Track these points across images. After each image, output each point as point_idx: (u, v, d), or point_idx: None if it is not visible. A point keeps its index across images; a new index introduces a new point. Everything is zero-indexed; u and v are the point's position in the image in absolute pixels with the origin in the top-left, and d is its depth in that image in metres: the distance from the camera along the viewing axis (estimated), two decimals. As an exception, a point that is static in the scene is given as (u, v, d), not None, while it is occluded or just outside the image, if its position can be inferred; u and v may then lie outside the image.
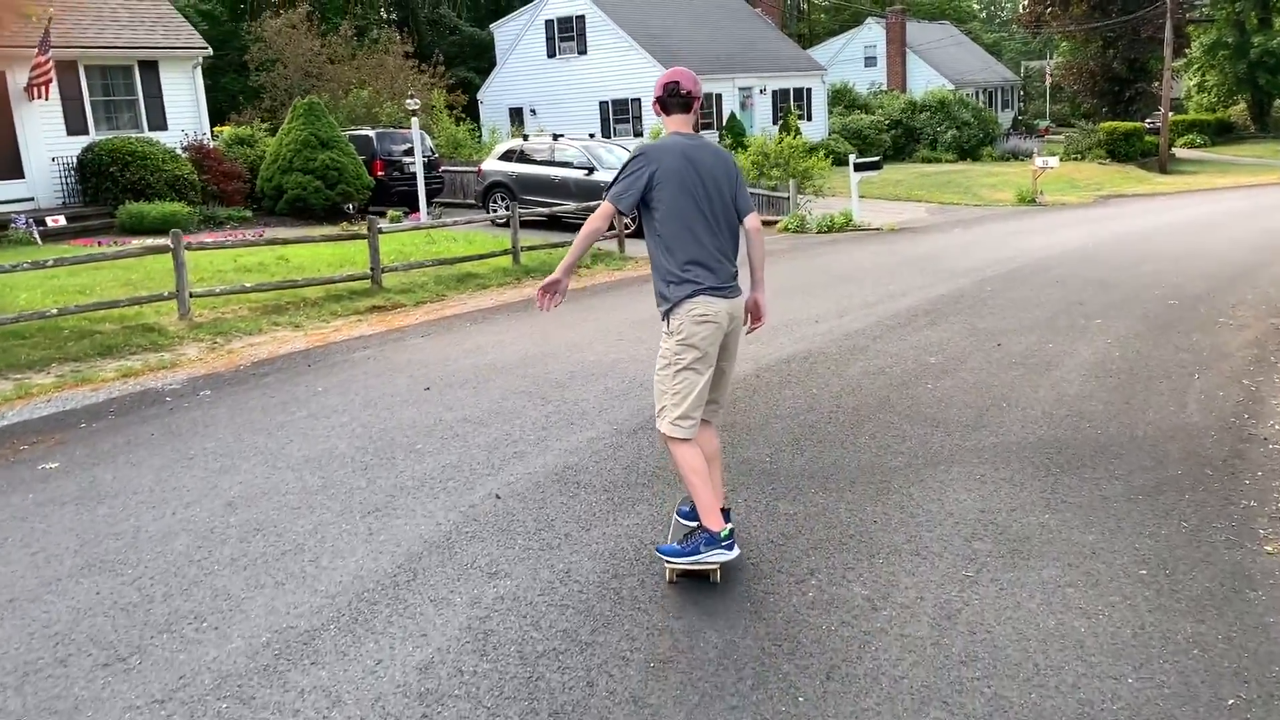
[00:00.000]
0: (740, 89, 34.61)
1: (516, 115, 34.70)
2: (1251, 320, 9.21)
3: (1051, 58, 60.60)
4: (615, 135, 31.64)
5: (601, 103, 32.88)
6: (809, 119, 37.55)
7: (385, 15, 45.48)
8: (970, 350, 8.21)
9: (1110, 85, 44.49)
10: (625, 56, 32.17)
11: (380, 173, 22.13)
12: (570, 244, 4.29)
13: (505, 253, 14.74)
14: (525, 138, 21.25)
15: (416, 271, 13.68)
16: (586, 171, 19.49)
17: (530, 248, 15.32)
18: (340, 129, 23.75)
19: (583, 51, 33.13)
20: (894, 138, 40.19)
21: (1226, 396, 6.66)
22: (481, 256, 14.45)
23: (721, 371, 4.32)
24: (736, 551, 4.19)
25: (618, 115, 32.71)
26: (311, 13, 28.09)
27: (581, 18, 32.83)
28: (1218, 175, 34.33)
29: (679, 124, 4.23)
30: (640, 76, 31.95)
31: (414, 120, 18.69)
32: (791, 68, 37.31)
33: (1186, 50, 48.47)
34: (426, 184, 23.24)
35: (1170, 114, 40.91)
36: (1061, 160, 38.81)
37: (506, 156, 20.79)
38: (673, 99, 4.22)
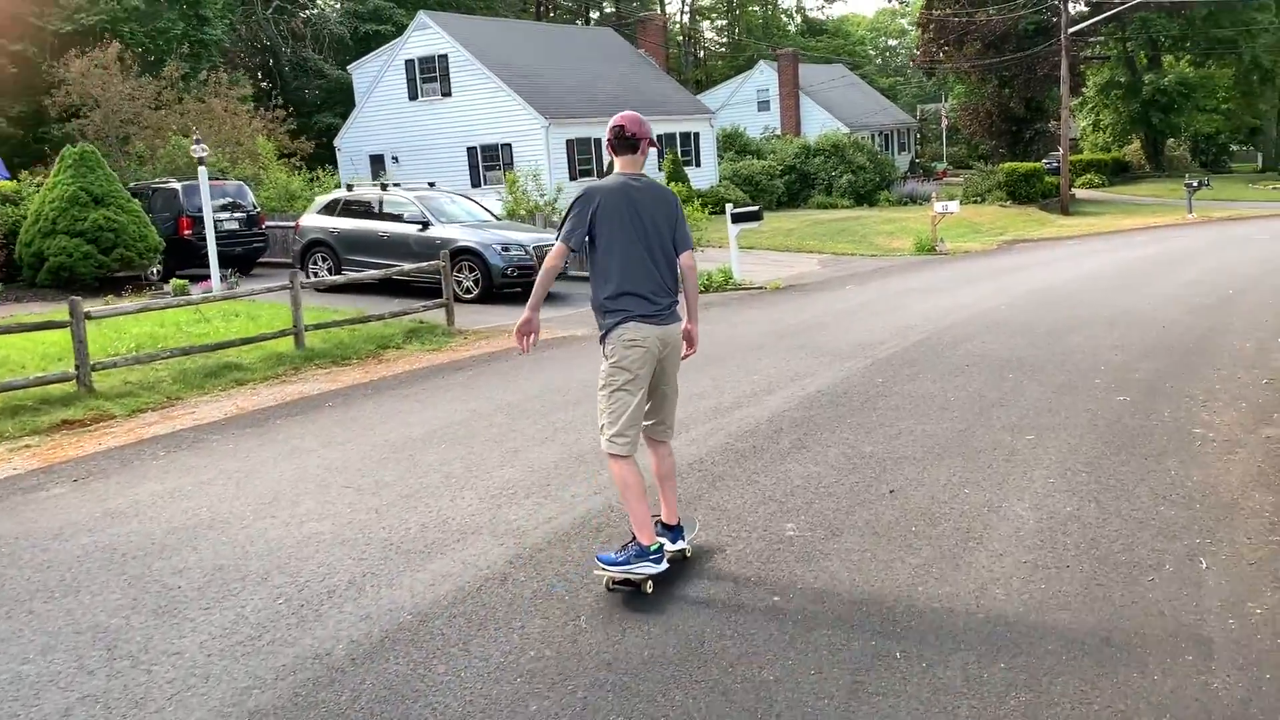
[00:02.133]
0: (621, 133, 32.02)
1: (377, 163, 31.60)
2: (1238, 431, 6.62)
3: (946, 100, 59.93)
4: (486, 184, 28.79)
5: (470, 149, 30.01)
6: (698, 164, 35.25)
7: (244, 60, 42.05)
8: (848, 508, 5.40)
9: (1008, 125, 43.32)
10: (494, 99, 29.40)
11: (187, 231, 18.82)
12: None
13: (285, 334, 11.62)
14: (349, 187, 18.21)
15: (155, 365, 10.49)
16: (421, 226, 16.52)
17: (321, 325, 12.23)
18: (149, 181, 20.49)
19: (447, 93, 30.26)
20: (788, 183, 38.17)
21: (1267, 613, 3.95)
22: (250, 340, 11.30)
23: (664, 395, 4.71)
24: (665, 565, 4.46)
25: (487, 162, 29.88)
26: (124, 52, 24.65)
27: (444, 57, 30.00)
28: (1121, 216, 32.97)
29: (625, 164, 4.63)
30: (512, 120, 29.23)
31: (200, 170, 15.50)
32: (678, 111, 35.01)
33: (1082, 89, 47.85)
34: (247, 243, 20.03)
35: (1068, 154, 39.80)
36: (961, 203, 37.27)
37: (329, 209, 17.69)
38: (620, 141, 4.63)
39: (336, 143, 32.98)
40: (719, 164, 37.12)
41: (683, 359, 4.73)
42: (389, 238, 16.73)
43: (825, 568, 4.58)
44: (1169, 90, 46.21)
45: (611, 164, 4.71)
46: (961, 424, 7.08)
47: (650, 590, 4.44)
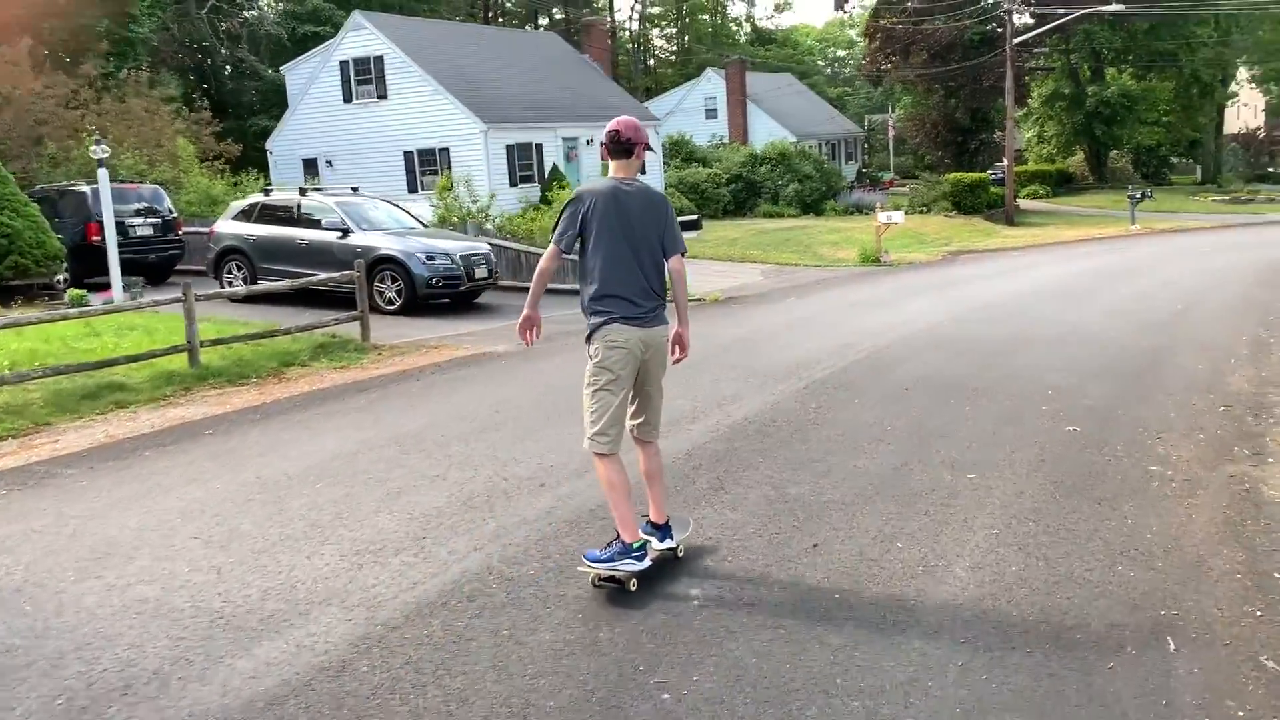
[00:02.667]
0: (564, 139, 31.35)
1: (310, 167, 30.52)
2: (1198, 468, 6.03)
3: (893, 111, 59.99)
4: (423, 189, 27.85)
5: (406, 153, 29.06)
6: (642, 171, 34.36)
7: (177, 60, 40.63)
8: (764, 567, 4.69)
9: (954, 135, 43.29)
10: (431, 102, 28.49)
11: (96, 237, 17.68)
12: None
13: (178, 350, 10.69)
14: (266, 192, 17.24)
15: (27, 386, 9.53)
16: (341, 234, 15.62)
17: (221, 341, 11.32)
18: (59, 184, 19.35)
19: (383, 96, 29.29)
20: (734, 192, 37.66)
21: (1250, 716, 3.30)
22: (138, 358, 10.35)
23: (649, 396, 4.78)
24: (647, 563, 4.53)
25: (425, 166, 28.95)
26: (35, 48, 23.40)
27: (380, 59, 29.04)
28: (1065, 227, 32.86)
29: (619, 169, 4.68)
30: (449, 124, 28.34)
31: (101, 172, 14.48)
32: (622, 116, 34.33)
33: (1027, 100, 48.02)
34: (162, 250, 18.96)
35: (1013, 164, 39.79)
36: (907, 213, 37.02)
37: (245, 215, 16.70)
38: (615, 146, 4.64)
39: (268, 146, 31.83)
40: (665, 171, 36.50)
41: (675, 363, 4.86)
42: (307, 245, 15.80)
43: (729, 653, 3.85)
44: (1112, 102, 46.50)
45: (606, 167, 4.78)
46: (898, 458, 6.42)
47: (634, 587, 4.48)
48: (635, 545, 4.52)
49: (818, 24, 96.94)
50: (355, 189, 18.06)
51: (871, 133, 69.15)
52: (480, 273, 15.86)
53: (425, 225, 17.79)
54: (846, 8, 43.42)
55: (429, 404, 8.83)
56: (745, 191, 38.11)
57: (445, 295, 15.64)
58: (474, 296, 16.73)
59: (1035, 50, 44.17)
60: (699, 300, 16.63)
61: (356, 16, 29.54)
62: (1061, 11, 36.67)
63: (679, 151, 39.76)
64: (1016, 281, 17.70)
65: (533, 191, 28.83)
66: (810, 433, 7.19)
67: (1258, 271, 17.67)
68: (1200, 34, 45.46)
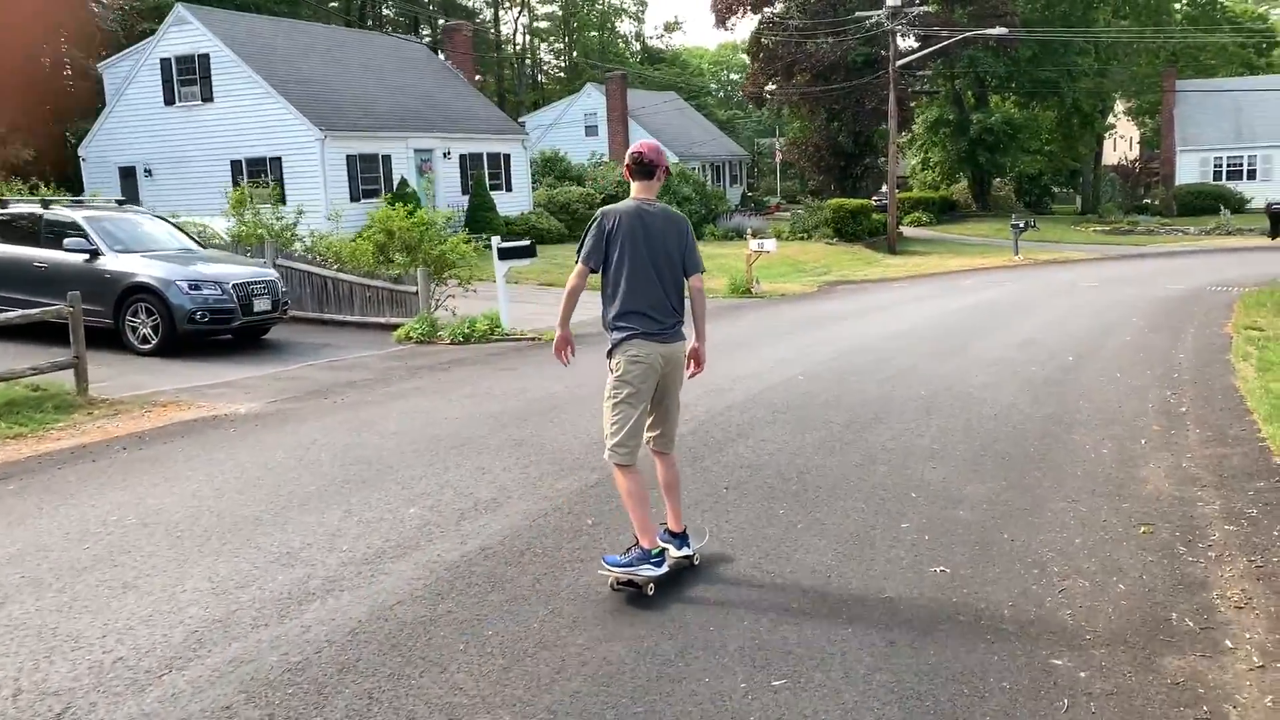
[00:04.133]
0: (417, 151, 28.71)
1: (129, 176, 27.20)
2: (1124, 663, 3.90)
3: (779, 134, 58.91)
4: (252, 202, 24.83)
5: (234, 162, 26.01)
6: (508, 189, 32.17)
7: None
8: None
9: (837, 160, 42.01)
10: (262, 107, 25.56)
11: None
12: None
13: None
14: (3, 204, 14.25)
15: None
16: (88, 255, 12.80)
17: None
18: None
19: (208, 99, 26.21)
20: (609, 212, 35.44)
21: None
22: None
23: (667, 409, 4.95)
24: (666, 569, 4.70)
25: (255, 177, 25.91)
26: None
27: (205, 57, 25.98)
28: (948, 256, 31.61)
29: (640, 189, 4.85)
30: (284, 132, 25.45)
31: None
32: (487, 130, 31.89)
33: (911, 126, 47.24)
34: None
35: (897, 191, 38.67)
36: (788, 239, 35.27)
37: (-25, 232, 13.71)
38: (638, 167, 4.82)
39: (81, 151, 28.34)
40: (534, 189, 34.14)
41: (690, 377, 5.04)
42: (47, 268, 12.92)
43: None
44: (995, 130, 46.01)
45: (627, 188, 4.89)
46: (674, 642, 4.14)
47: (652, 592, 4.60)
48: (654, 551, 4.69)
49: (711, 46, 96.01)
50: (121, 201, 15.19)
51: (760, 156, 68.17)
52: (262, 305, 13.21)
53: (205, 247, 15.02)
54: (729, 24, 41.72)
55: (49, 513, 6.23)
56: (621, 213, 35.93)
57: (217, 332, 12.96)
58: (261, 332, 14.08)
59: (919, 74, 43.34)
60: (534, 338, 14.28)
61: (180, 9, 26.42)
62: (945, 34, 35.68)
63: (552, 169, 37.47)
64: (892, 320, 15.83)
65: (378, 207, 26.08)
66: (563, 579, 4.88)
67: (1147, 312, 16.17)
68: (1081, 64, 45.34)
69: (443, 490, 6.40)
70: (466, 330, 14.19)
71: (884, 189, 38.43)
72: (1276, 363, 10.29)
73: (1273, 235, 34.90)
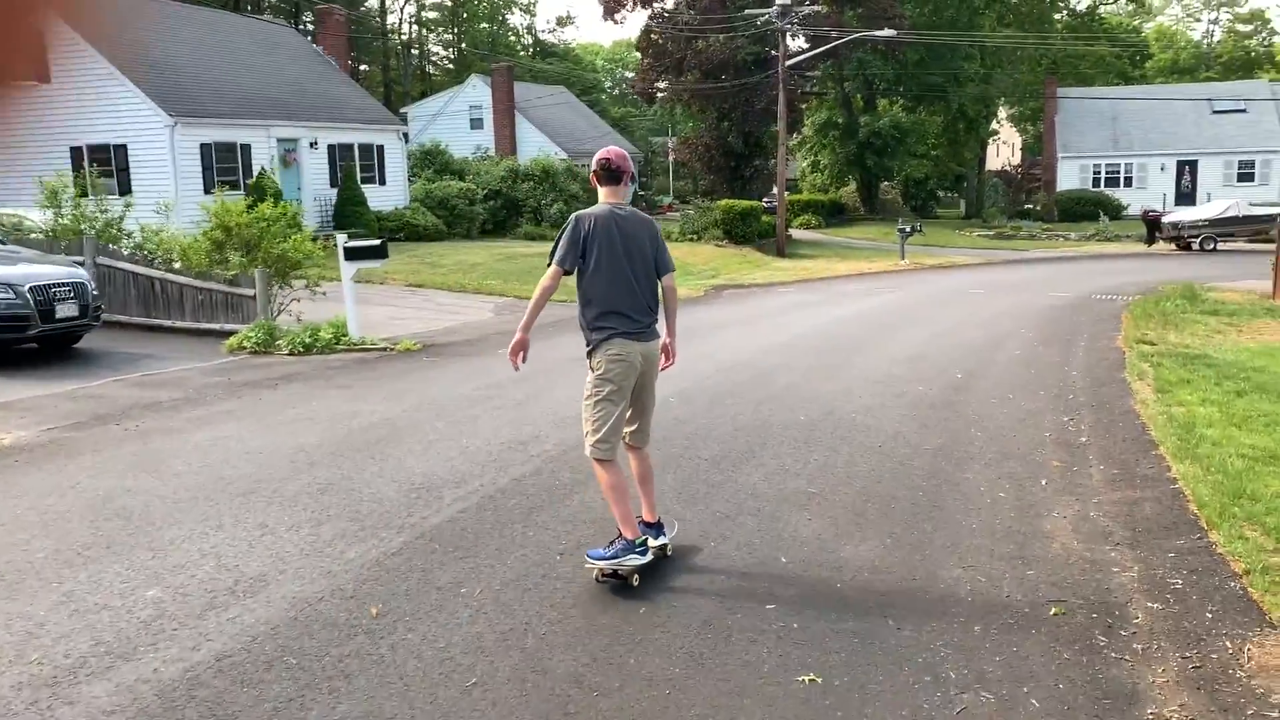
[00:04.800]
0: (280, 140, 26.81)
1: (-47, 162, 24.62)
2: None
3: (671, 133, 58.21)
4: (94, 194, 22.68)
5: (74, 149, 23.76)
6: (382, 182, 30.47)
7: None
8: None
9: (727, 160, 41.33)
10: (104, 88, 23.40)
11: None
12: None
13: None
14: None
15: None
16: None
17: None
18: None
19: (44, 79, 23.85)
20: (492, 209, 34.04)
21: None
22: None
23: (643, 405, 5.14)
24: (650, 557, 4.86)
25: (99, 166, 23.73)
26: None
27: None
28: (837, 260, 31.13)
29: (608, 194, 5.02)
30: (130, 117, 23.36)
31: None
32: (359, 120, 30.11)
33: (800, 127, 46.96)
34: None
35: (787, 193, 38.20)
36: (678, 240, 34.37)
37: None
38: (605, 173, 5.00)
39: (-101, 132, 25.56)
40: (411, 183, 32.47)
41: (661, 370, 5.17)
42: None
43: None
44: (883, 133, 46.07)
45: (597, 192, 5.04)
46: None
47: (636, 582, 4.74)
48: (638, 542, 4.82)
49: (606, 43, 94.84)
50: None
51: (653, 155, 67.39)
52: (67, 310, 11.56)
53: (4, 243, 13.20)
54: (617, 18, 40.67)
55: None
56: (505, 209, 34.58)
57: (9, 341, 11.26)
58: (71, 341, 12.39)
59: (809, 74, 43.04)
60: (385, 349, 12.91)
61: (11, -22, 23.97)
62: (835, 35, 35.29)
63: (431, 162, 35.81)
64: (776, 330, 14.93)
65: (236, 199, 24.17)
66: (305, 713, 3.63)
67: (1035, 322, 15.66)
68: (967, 69, 45.73)
69: (202, 560, 5.09)
70: (308, 339, 12.74)
71: (775, 191, 37.87)
72: (1174, 383, 9.65)
73: (1149, 242, 35.58)
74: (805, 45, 39.83)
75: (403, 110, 49.07)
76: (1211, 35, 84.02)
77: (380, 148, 30.65)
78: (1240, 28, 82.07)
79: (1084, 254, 34.44)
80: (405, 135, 32.33)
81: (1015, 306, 18.05)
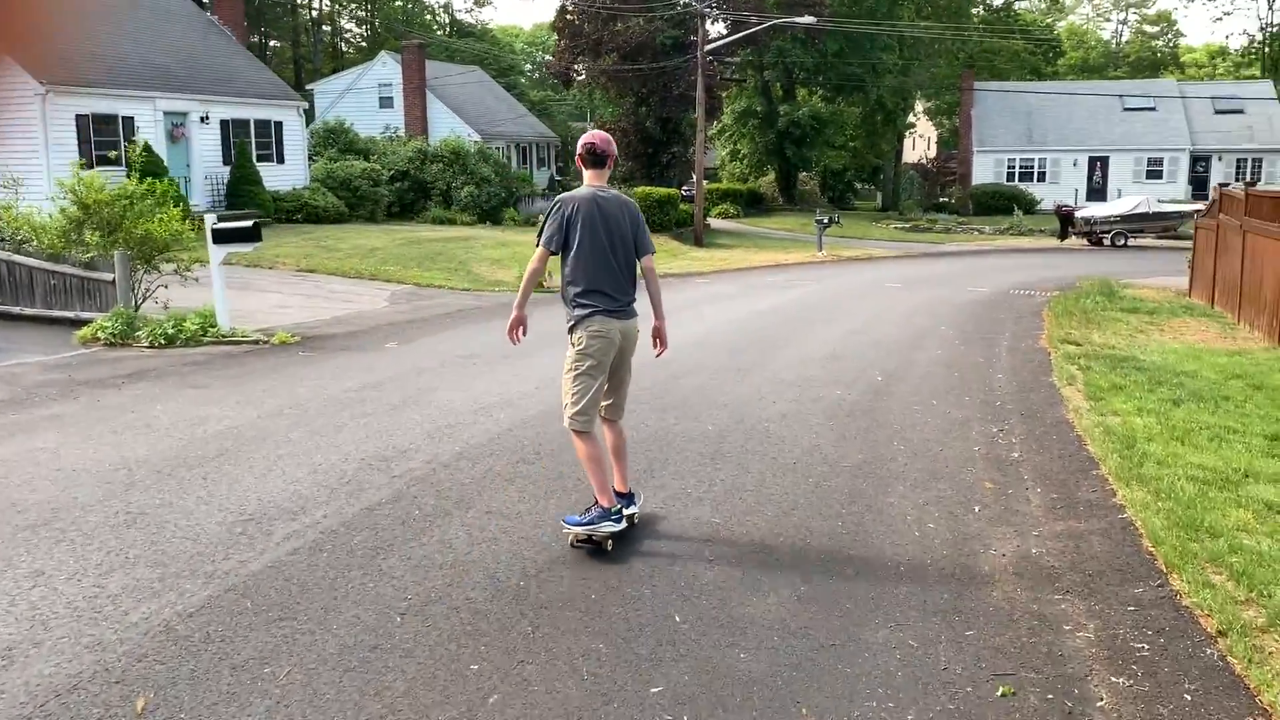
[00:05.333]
0: (168, 114, 25.06)
1: None
2: None
3: (590, 118, 57.07)
4: (-45, 166, 20.73)
5: (-68, 117, 21.75)
6: (280, 160, 28.83)
7: None
8: None
9: (645, 146, 40.36)
10: (-34, 50, 21.39)
11: None
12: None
13: None
14: None
15: None
16: None
17: None
18: None
19: (-103, 38, 21.79)
20: (399, 191, 32.62)
21: None
22: None
23: (620, 380, 5.33)
24: (624, 524, 5.07)
25: (-40, 137, 21.78)
26: None
27: (-108, -14, 21.55)
28: (754, 250, 30.50)
29: (592, 177, 5.18)
30: (-6, 82, 21.38)
31: None
32: (256, 95, 28.41)
33: (720, 115, 46.27)
34: None
35: (706, 182, 37.45)
36: (593, 227, 33.54)
37: None
38: (590, 156, 5.17)
39: None
40: (311, 163, 30.86)
41: (657, 355, 5.48)
42: None
43: None
44: (802, 123, 45.64)
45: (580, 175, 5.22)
46: None
47: (610, 548, 4.95)
48: (614, 510, 5.02)
49: (527, 26, 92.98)
50: None
51: (572, 140, 66.14)
52: (-120, 296, 10.11)
53: None
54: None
55: None
56: (413, 192, 33.16)
57: None
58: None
59: (728, 60, 42.33)
60: (258, 342, 11.71)
61: None
62: (755, 20, 34.57)
63: (335, 141, 34.17)
64: (690, 324, 14.07)
65: (118, 175, 22.40)
66: None
67: (955, 318, 15.09)
68: (886, 60, 45.51)
69: (-61, 627, 3.98)
70: (171, 330, 11.47)
71: (693, 179, 37.10)
72: (1106, 389, 9.03)
73: (1062, 237, 35.74)
74: (725, 31, 39.09)
75: (309, 87, 47.07)
76: (1120, 35, 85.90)
77: (278, 124, 28.99)
78: (1148, 29, 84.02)
79: (999, 248, 34.41)
80: (306, 111, 30.68)
81: (934, 301, 17.51)
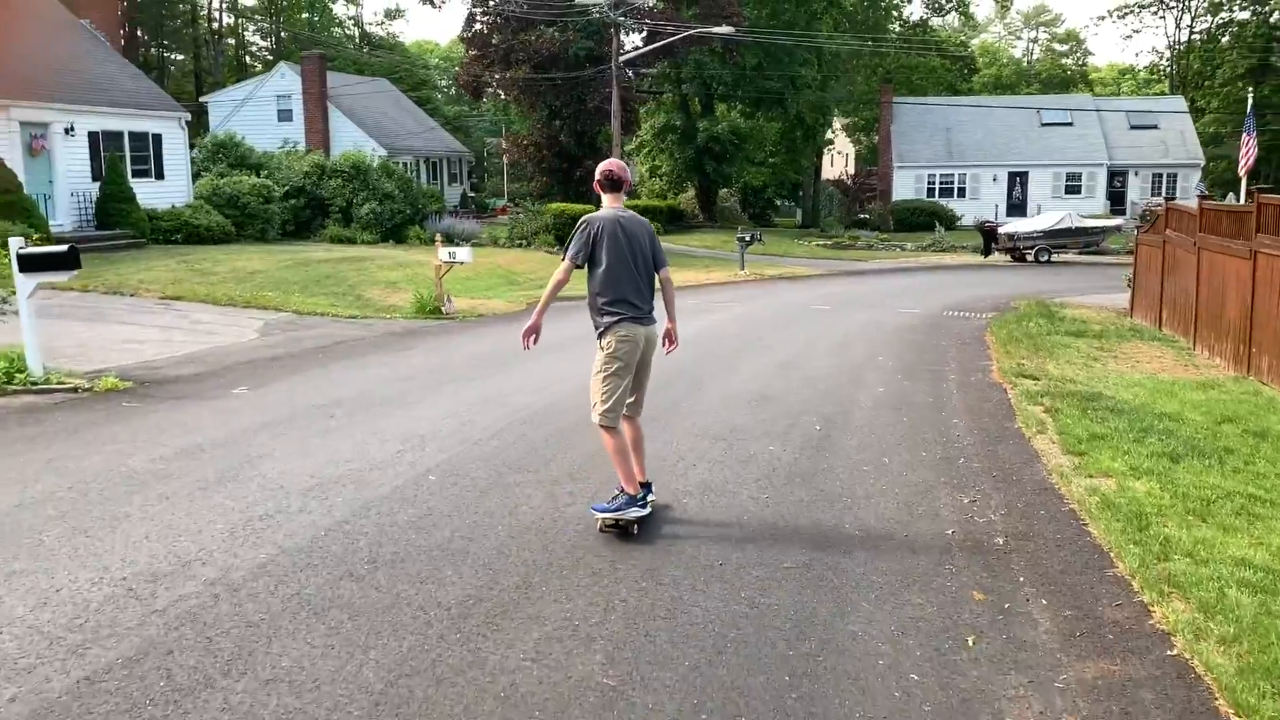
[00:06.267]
0: (25, 124, 22.62)
1: None
2: None
3: (504, 132, 55.23)
4: None
5: None
6: (158, 176, 26.47)
7: None
8: None
9: (560, 161, 38.67)
10: None
11: None
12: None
13: None
14: None
15: None
16: None
17: None
18: None
19: None
20: (295, 209, 30.43)
21: None
22: None
23: (640, 380, 5.83)
24: (649, 509, 5.67)
25: None
26: None
27: None
28: (675, 269, 28.75)
29: (611, 200, 5.77)
30: None
31: None
32: (131, 104, 26.03)
33: (637, 130, 44.86)
34: None
35: (625, 199, 35.89)
36: (505, 246, 31.67)
37: None
38: (606, 182, 5.77)
39: None
40: (196, 179, 28.50)
41: (667, 353, 6.04)
42: None
43: None
44: (721, 139, 44.42)
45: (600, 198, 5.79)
46: None
47: (636, 531, 5.46)
48: (639, 496, 5.58)
49: (443, 41, 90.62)
50: None
51: (489, 156, 64.21)
52: None
53: None
54: (437, 2, 37.44)
55: None
56: (310, 209, 30.98)
57: None
58: None
59: (644, 72, 40.94)
60: (76, 390, 9.71)
61: None
62: (670, 30, 33.22)
63: (225, 155, 31.76)
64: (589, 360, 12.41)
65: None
66: None
67: (892, 346, 13.71)
68: (805, 75, 44.60)
69: None
70: (-31, 379, 9.40)
71: (609, 194, 35.50)
72: (1085, 440, 7.60)
73: (985, 253, 35.02)
74: (640, 42, 37.69)
75: (202, 99, 44.40)
76: (1031, 53, 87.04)
77: (157, 137, 26.63)
78: (1057, 46, 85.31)
79: (923, 265, 33.49)
80: (189, 123, 28.30)
81: (866, 326, 16.14)
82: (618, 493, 5.58)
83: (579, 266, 5.59)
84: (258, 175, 30.16)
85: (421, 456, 7.11)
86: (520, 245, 31.43)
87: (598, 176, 5.78)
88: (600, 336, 5.64)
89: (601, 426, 5.59)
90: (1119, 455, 7.07)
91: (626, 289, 5.55)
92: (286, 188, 30.43)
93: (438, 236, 18.47)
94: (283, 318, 16.27)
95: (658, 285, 5.86)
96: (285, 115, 41.36)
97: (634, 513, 5.46)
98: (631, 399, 5.76)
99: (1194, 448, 7.29)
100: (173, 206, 25.71)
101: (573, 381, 10.25)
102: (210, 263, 21.27)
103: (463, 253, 17.59)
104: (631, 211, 5.75)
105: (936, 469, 7.06)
